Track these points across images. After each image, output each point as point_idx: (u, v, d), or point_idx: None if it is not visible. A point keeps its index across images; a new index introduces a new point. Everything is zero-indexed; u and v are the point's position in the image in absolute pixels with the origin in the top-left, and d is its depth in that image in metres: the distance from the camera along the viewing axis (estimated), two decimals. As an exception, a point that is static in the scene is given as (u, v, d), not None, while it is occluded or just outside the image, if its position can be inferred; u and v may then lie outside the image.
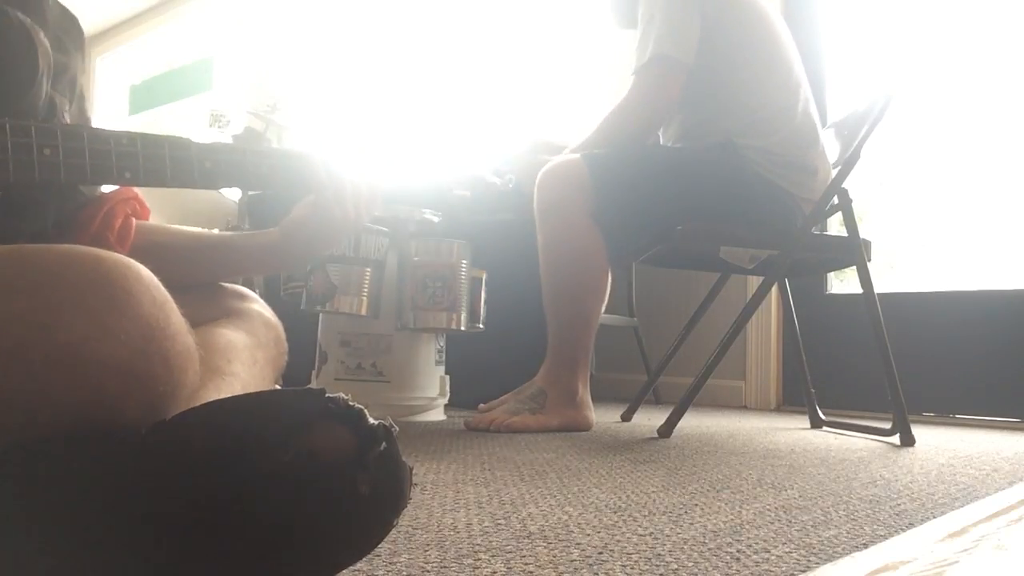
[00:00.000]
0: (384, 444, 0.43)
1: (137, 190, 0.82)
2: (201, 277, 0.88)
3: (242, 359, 0.73)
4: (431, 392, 1.74)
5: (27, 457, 0.43)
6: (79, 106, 0.77)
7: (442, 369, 1.78)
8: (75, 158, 0.65)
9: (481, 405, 1.65)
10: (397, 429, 0.44)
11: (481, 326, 1.77)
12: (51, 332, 0.43)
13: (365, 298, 1.60)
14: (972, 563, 0.63)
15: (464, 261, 1.67)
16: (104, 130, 0.68)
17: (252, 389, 0.73)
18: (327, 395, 0.43)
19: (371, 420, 0.43)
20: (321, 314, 1.70)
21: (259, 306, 0.86)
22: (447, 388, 1.77)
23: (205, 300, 0.79)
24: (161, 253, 0.84)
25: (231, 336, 0.75)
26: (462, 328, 1.67)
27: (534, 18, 3.20)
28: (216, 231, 0.94)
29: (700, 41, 1.62)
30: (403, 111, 3.54)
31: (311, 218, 0.88)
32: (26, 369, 0.43)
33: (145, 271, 0.48)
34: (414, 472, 0.48)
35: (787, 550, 0.65)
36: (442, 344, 1.79)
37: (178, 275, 0.82)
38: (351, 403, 0.43)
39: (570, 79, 3.03)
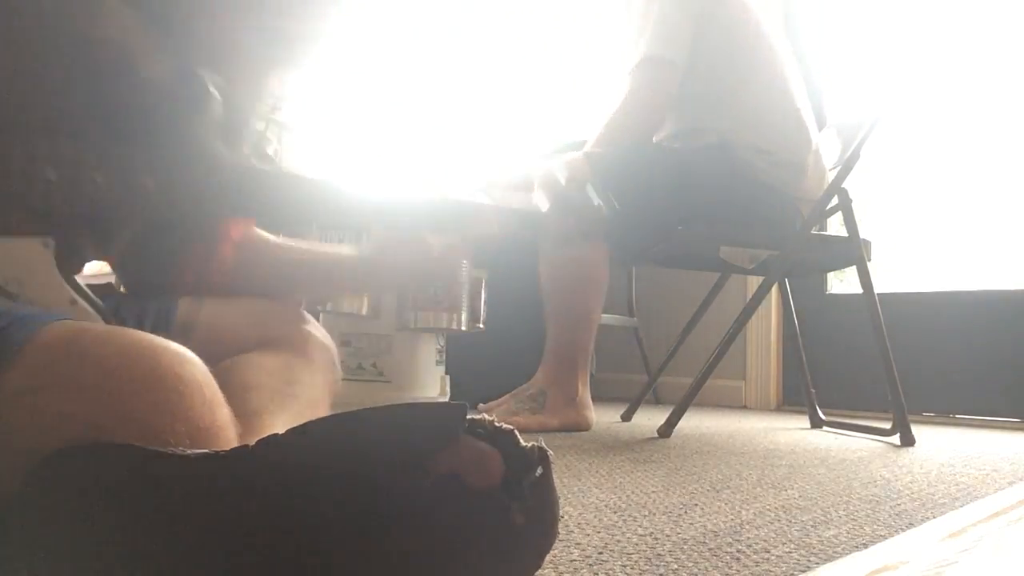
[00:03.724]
0: (540, 470, 0.38)
1: None
2: (289, 293, 0.91)
3: (301, 381, 0.73)
4: (431, 392, 1.74)
5: (111, 472, 0.39)
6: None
7: (442, 369, 1.79)
8: (171, 191, 0.62)
9: (481, 405, 1.65)
10: (552, 454, 0.39)
11: (481, 326, 1.77)
12: (101, 433, 0.43)
13: (366, 298, 1.60)
14: (972, 563, 0.63)
15: (464, 261, 1.67)
16: (218, 163, 0.65)
17: (313, 410, 0.72)
18: (469, 416, 0.38)
19: (522, 441, 0.38)
20: (322, 314, 1.70)
21: (313, 328, 0.85)
22: (447, 388, 1.77)
23: (261, 322, 0.79)
24: (253, 269, 0.86)
25: (289, 359, 0.75)
26: (463, 328, 1.67)
27: (537, 19, 3.20)
28: (309, 243, 0.94)
29: (692, 42, 1.61)
30: (403, 111, 3.54)
31: (405, 265, 0.90)
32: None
33: (200, 367, 0.48)
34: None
35: (787, 550, 0.65)
36: (442, 344, 1.79)
37: (268, 289, 0.83)
38: (499, 424, 0.38)
39: (572, 82, 3.03)
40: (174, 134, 0.63)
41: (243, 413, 0.61)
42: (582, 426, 1.59)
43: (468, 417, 0.38)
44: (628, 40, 1.68)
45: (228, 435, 0.49)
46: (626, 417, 1.91)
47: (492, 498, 0.36)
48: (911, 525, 0.77)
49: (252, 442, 0.55)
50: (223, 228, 0.80)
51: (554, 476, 0.39)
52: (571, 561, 0.59)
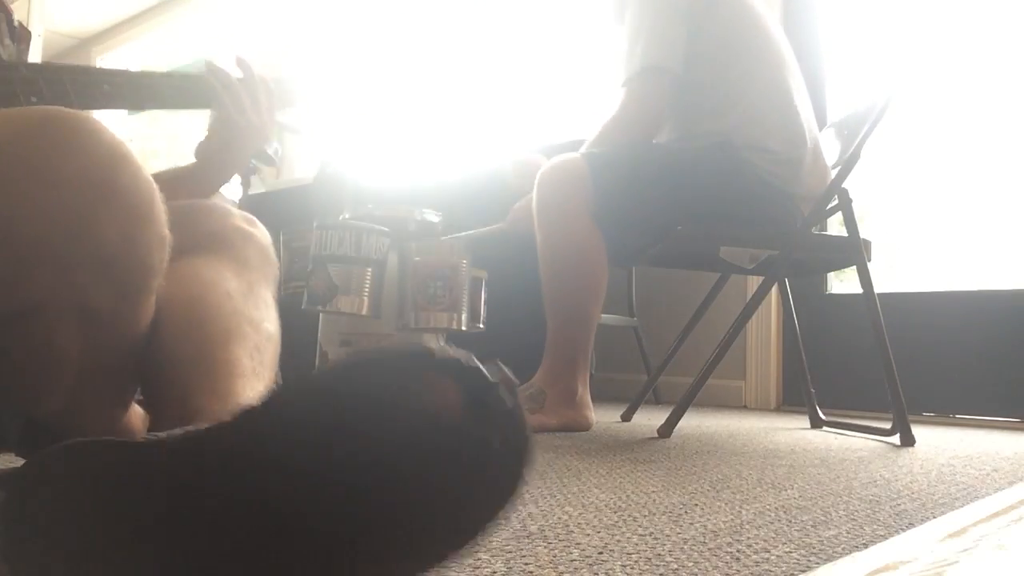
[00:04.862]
0: (506, 393, 0.40)
1: None
2: None
3: (237, 289, 0.70)
4: (431, 392, 1.74)
5: (95, 453, 0.40)
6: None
7: (442, 369, 1.79)
8: None
9: (481, 405, 1.65)
10: (514, 378, 0.41)
11: (481, 326, 1.77)
12: (25, 153, 0.47)
13: (366, 298, 1.60)
14: (972, 563, 0.63)
15: (465, 261, 1.67)
16: (7, 61, 0.72)
17: (256, 318, 0.69)
18: (432, 350, 0.39)
19: (487, 373, 0.40)
20: (321, 314, 1.70)
21: (234, 219, 0.79)
22: (447, 388, 1.77)
23: (183, 223, 0.72)
24: None
25: (215, 265, 0.71)
26: (463, 328, 1.67)
27: (535, 19, 3.20)
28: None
29: (689, 44, 1.63)
30: (403, 110, 3.54)
31: (219, 134, 0.93)
32: (3, 189, 0.47)
33: (95, 118, 0.52)
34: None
35: (787, 550, 0.65)
36: (443, 344, 1.79)
37: None
38: (457, 355, 0.40)
39: (571, 81, 3.03)
40: None
41: (189, 339, 0.61)
42: (582, 426, 1.59)
43: (432, 353, 0.39)
44: (622, 49, 1.69)
45: (147, 176, 0.52)
46: (626, 417, 1.91)
47: (469, 428, 0.38)
48: (911, 525, 0.77)
49: (218, 383, 0.56)
50: None
51: (526, 417, 0.41)
52: (571, 561, 0.59)
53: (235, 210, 0.81)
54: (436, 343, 1.61)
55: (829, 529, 0.74)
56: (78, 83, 0.78)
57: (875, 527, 0.75)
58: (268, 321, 0.71)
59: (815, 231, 1.66)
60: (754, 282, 2.15)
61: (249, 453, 0.38)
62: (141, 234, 0.52)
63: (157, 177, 0.91)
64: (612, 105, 1.67)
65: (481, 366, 0.40)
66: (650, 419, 1.88)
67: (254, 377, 0.63)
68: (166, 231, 0.55)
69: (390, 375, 0.39)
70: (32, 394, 0.56)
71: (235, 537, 0.38)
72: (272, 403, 0.40)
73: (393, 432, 0.38)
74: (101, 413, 0.65)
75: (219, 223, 0.77)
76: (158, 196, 0.54)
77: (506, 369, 0.40)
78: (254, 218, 0.82)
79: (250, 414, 0.40)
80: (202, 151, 0.93)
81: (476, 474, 0.39)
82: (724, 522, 0.75)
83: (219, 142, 0.93)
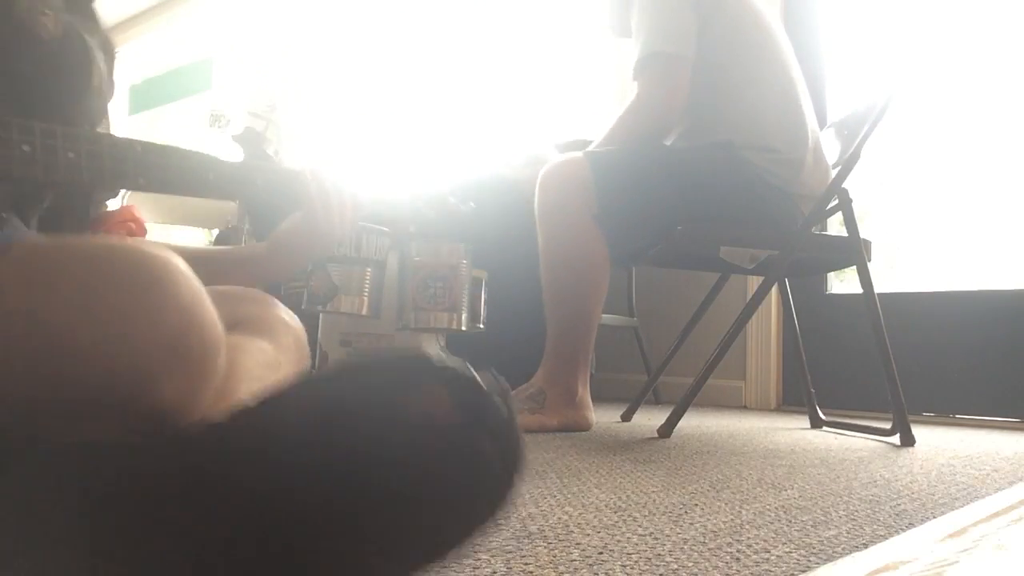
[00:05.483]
0: (500, 400, 0.41)
1: (137, 204, 0.87)
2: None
3: (268, 364, 0.73)
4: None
5: (87, 456, 0.41)
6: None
7: (442, 369, 1.79)
8: (95, 161, 0.68)
9: (481, 405, 1.65)
10: (509, 387, 0.42)
11: (481, 326, 1.77)
12: (97, 316, 0.45)
13: (366, 298, 1.60)
14: (972, 563, 0.63)
15: (464, 261, 1.67)
16: (122, 138, 0.74)
17: (272, 382, 0.72)
18: (429, 357, 0.41)
19: (482, 382, 0.41)
20: (322, 314, 1.70)
21: (278, 309, 0.86)
22: (447, 388, 1.77)
23: (232, 302, 0.79)
24: None
25: (253, 344, 0.75)
26: (463, 328, 1.68)
27: (537, 19, 3.20)
28: (207, 245, 0.97)
29: (697, 36, 1.61)
30: (402, 112, 3.54)
31: (300, 231, 0.94)
32: (73, 351, 0.45)
33: (184, 263, 0.51)
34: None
35: (787, 550, 0.65)
36: (442, 344, 1.79)
37: None
38: (453, 363, 0.41)
39: (573, 81, 3.03)
40: (70, 107, 0.67)
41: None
42: (582, 426, 1.59)
43: (427, 360, 0.41)
44: (632, 42, 1.68)
45: (217, 329, 0.51)
46: (626, 417, 1.91)
47: (462, 433, 0.40)
48: (911, 525, 0.77)
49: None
50: (122, 211, 0.83)
51: (527, 447, 0.43)
52: (571, 561, 0.59)
53: (280, 303, 0.86)
54: (434, 349, 1.60)
55: (829, 529, 0.74)
56: (185, 169, 0.79)
57: (875, 527, 0.75)
58: None
59: (815, 231, 1.66)
60: (754, 282, 2.15)
61: (243, 450, 0.39)
62: (200, 389, 0.51)
63: (228, 256, 0.95)
64: (628, 99, 1.65)
65: (476, 375, 0.41)
66: (650, 419, 1.88)
67: None
68: (223, 361, 0.55)
69: (386, 380, 0.40)
70: None
71: (230, 530, 0.38)
72: (268, 403, 0.41)
73: (386, 436, 0.39)
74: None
75: (264, 311, 0.82)
76: (222, 341, 0.53)
77: (500, 378, 0.42)
78: (294, 315, 0.87)
79: (245, 413, 0.41)
80: (282, 246, 0.95)
81: (468, 479, 0.40)
82: (724, 522, 0.75)
83: (301, 243, 0.95)
